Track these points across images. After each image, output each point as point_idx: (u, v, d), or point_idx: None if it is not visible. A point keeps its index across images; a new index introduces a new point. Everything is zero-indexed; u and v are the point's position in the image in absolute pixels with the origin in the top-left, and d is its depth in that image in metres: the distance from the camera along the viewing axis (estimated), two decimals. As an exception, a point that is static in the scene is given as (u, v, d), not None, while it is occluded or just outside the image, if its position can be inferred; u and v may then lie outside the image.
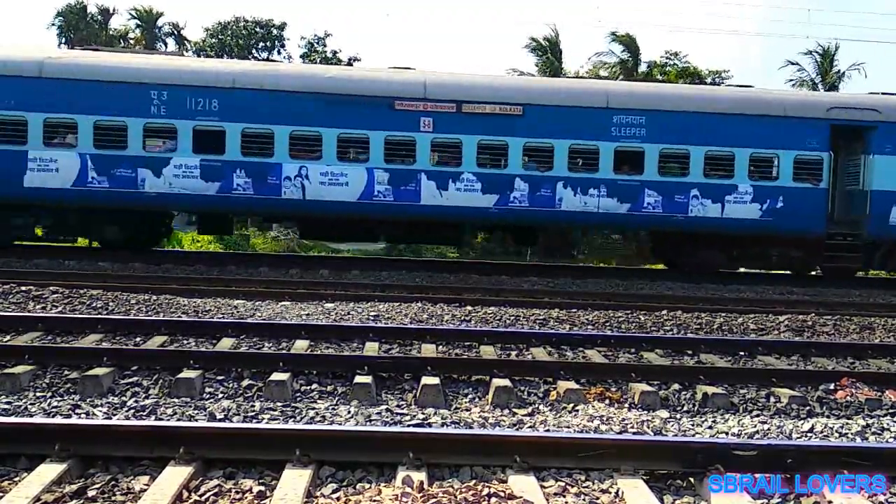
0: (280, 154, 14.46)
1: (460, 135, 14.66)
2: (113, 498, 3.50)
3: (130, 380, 5.78)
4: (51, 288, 9.67)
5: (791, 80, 32.55)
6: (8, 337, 7.01)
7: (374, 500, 3.43)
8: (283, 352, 6.75)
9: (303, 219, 15.72)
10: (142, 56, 16.64)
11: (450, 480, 3.77)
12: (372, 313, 9.16)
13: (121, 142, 14.25)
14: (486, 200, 14.73)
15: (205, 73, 14.85)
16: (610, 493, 3.71)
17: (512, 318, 9.31)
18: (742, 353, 7.56)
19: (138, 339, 7.17)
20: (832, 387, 6.30)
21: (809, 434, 5.17)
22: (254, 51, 37.74)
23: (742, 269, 20.68)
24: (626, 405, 5.78)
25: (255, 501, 3.47)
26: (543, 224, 15.83)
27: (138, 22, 36.84)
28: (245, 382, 5.81)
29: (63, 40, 35.67)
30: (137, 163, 14.31)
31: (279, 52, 38.47)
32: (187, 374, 5.74)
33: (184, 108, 14.28)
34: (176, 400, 5.35)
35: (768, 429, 5.23)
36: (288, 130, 14.43)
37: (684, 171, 15.13)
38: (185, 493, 3.50)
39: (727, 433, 5.14)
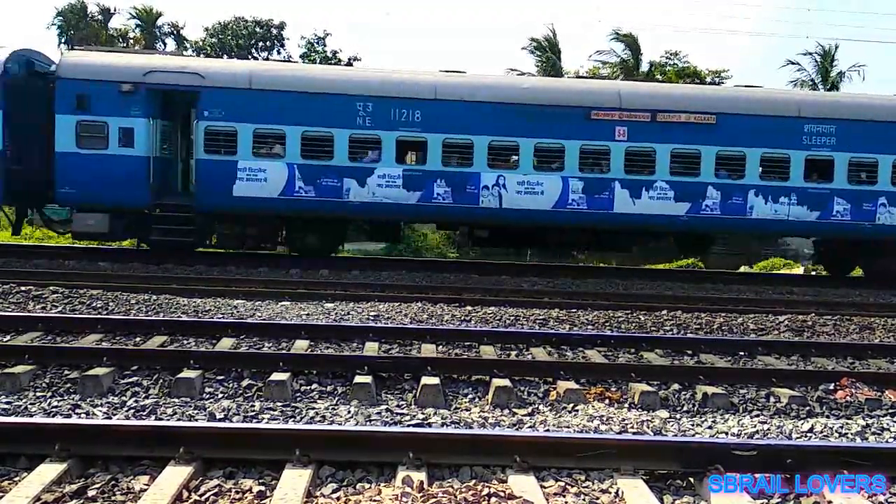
0: (479, 163, 14.73)
1: (654, 143, 14.88)
2: (113, 498, 3.50)
3: (130, 380, 5.79)
4: (51, 288, 9.68)
5: (792, 81, 32.57)
6: (8, 337, 7.01)
7: (374, 500, 3.43)
8: (283, 352, 6.75)
9: (498, 227, 15.85)
10: (349, 69, 16.81)
11: (450, 480, 3.77)
12: (372, 313, 9.17)
13: (327, 152, 14.57)
14: (678, 208, 14.96)
15: (408, 84, 15.05)
16: (610, 493, 3.71)
17: (512, 318, 9.31)
18: (742, 354, 7.56)
19: (138, 338, 7.17)
20: (832, 387, 6.30)
21: (809, 434, 5.17)
22: (253, 51, 37.73)
23: (742, 269, 20.74)
24: (626, 405, 5.78)
25: (255, 501, 3.47)
26: (733, 231, 16.25)
27: (138, 22, 36.84)
28: (245, 382, 5.81)
29: (63, 40, 35.67)
30: (343, 172, 14.60)
31: (279, 52, 38.48)
32: (187, 373, 5.74)
33: (388, 119, 14.54)
34: (176, 400, 5.36)
35: (768, 429, 5.23)
36: (487, 140, 14.68)
37: (872, 180, 15.26)
38: (185, 493, 3.50)
39: (727, 433, 5.14)
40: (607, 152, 14.82)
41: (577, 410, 5.57)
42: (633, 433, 5.00)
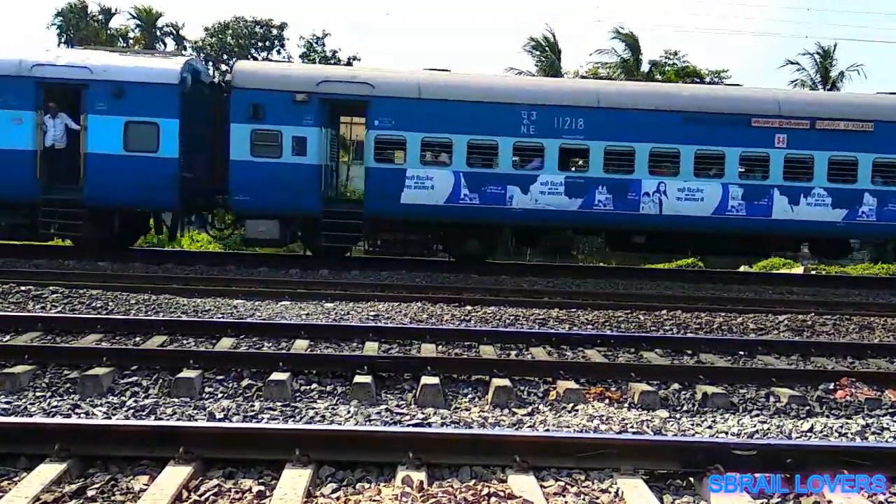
0: (640, 170, 14.87)
1: (812, 150, 14.99)
2: (112, 498, 3.50)
3: (130, 379, 5.79)
4: (50, 288, 9.67)
5: (793, 82, 32.56)
6: (8, 337, 7.01)
7: (374, 500, 3.43)
8: (283, 351, 6.75)
9: (657, 233, 15.96)
10: (513, 77, 17.03)
11: (449, 480, 3.76)
12: (372, 313, 9.17)
13: (492, 160, 14.78)
14: (834, 215, 15.08)
15: (572, 93, 15.33)
16: (610, 492, 3.71)
17: (511, 317, 9.31)
18: (742, 353, 7.56)
19: (138, 338, 7.17)
20: (832, 386, 6.30)
21: (809, 434, 5.17)
22: (253, 50, 37.73)
23: (742, 269, 20.74)
24: (626, 405, 5.78)
25: (255, 501, 3.47)
26: (890, 237, 16.32)
27: (138, 22, 36.84)
28: (245, 382, 5.81)
29: (63, 40, 35.66)
30: (507, 180, 14.79)
31: (279, 52, 38.49)
32: (187, 373, 5.74)
33: (551, 127, 14.71)
34: (175, 400, 5.36)
35: (768, 428, 5.23)
36: (648, 147, 14.82)
37: None
38: (185, 493, 3.50)
39: (727, 433, 5.14)
40: (767, 159, 15.01)
41: (576, 410, 5.56)
42: (633, 433, 5.00)
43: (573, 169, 15.18)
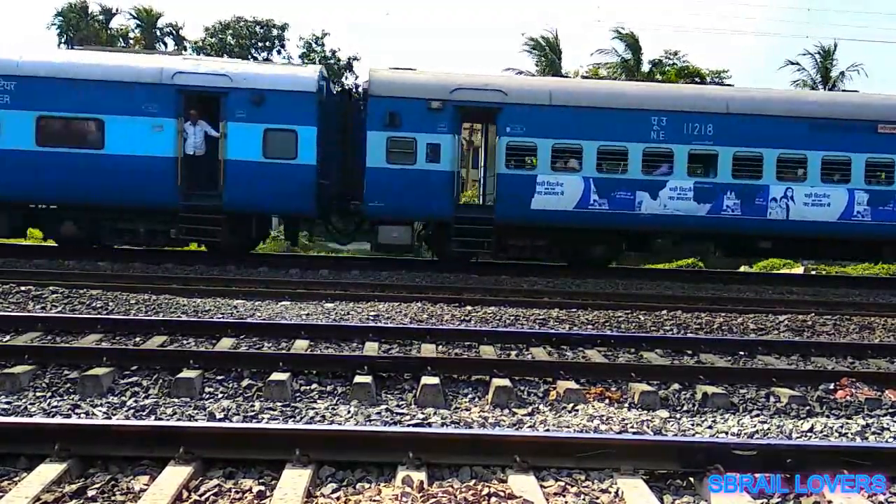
0: (768, 176, 15.07)
1: None
2: (113, 498, 3.50)
3: (130, 380, 5.78)
4: (50, 288, 9.67)
5: (795, 82, 32.55)
6: (8, 337, 7.01)
7: (374, 500, 3.43)
8: (283, 352, 6.75)
9: (783, 239, 16.10)
10: (643, 84, 17.36)
11: (450, 480, 3.76)
12: (372, 313, 9.17)
13: (622, 166, 15.02)
14: None
15: (701, 99, 15.50)
16: (610, 492, 3.70)
17: (512, 317, 9.31)
18: (742, 353, 7.56)
19: (138, 338, 7.17)
20: (832, 386, 6.30)
21: (809, 434, 5.17)
22: (252, 50, 37.73)
23: (742, 268, 20.75)
24: (626, 405, 5.78)
25: (255, 501, 3.46)
26: None
27: (138, 22, 36.84)
28: (245, 382, 5.81)
29: (62, 40, 35.66)
30: (636, 186, 14.99)
31: (279, 53, 38.48)
32: (187, 373, 5.73)
33: (680, 133, 14.94)
34: (175, 400, 5.35)
35: (768, 428, 5.23)
36: (776, 153, 15.02)
37: None
38: (185, 493, 3.50)
39: (727, 433, 5.14)
40: (892, 165, 15.24)
41: (577, 410, 5.56)
42: (633, 433, 5.00)
43: (701, 174, 15.38)
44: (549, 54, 31.97)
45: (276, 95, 14.41)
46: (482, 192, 16.85)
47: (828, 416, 5.71)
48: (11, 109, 14.04)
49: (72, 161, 14.08)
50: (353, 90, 16.61)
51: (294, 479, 3.61)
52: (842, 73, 32.43)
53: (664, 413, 5.58)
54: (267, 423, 4.84)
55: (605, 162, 15.01)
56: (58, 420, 4.61)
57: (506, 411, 5.48)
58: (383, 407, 5.35)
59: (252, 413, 5.09)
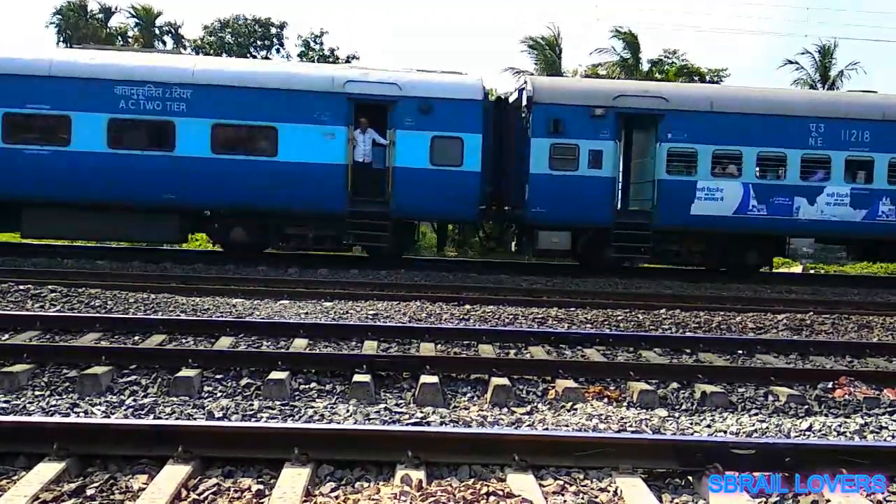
0: None
1: None
2: (111, 496, 3.49)
3: (129, 378, 5.78)
4: (49, 287, 9.65)
5: (796, 81, 32.52)
6: (6, 336, 7.00)
7: (373, 499, 3.43)
8: (282, 350, 6.75)
9: None
10: (800, 91, 17.95)
11: (448, 479, 3.76)
12: (371, 312, 9.16)
13: (780, 172, 15.34)
14: None
15: (858, 105, 15.83)
16: (608, 491, 3.71)
17: (510, 316, 9.31)
18: (740, 352, 7.57)
19: (137, 337, 7.17)
20: (830, 385, 6.30)
21: (808, 433, 5.18)
22: (251, 49, 37.69)
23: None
24: (625, 404, 5.78)
25: (254, 500, 3.46)
26: None
27: (137, 20, 36.79)
28: (244, 381, 5.81)
29: (61, 39, 35.60)
30: (794, 191, 15.31)
31: (278, 51, 38.43)
32: (186, 372, 5.73)
33: (838, 139, 15.25)
34: (174, 398, 5.35)
35: (767, 427, 5.24)
36: None
37: None
38: (184, 492, 3.50)
39: (726, 432, 5.14)
40: None
41: (575, 409, 5.56)
42: (632, 432, 5.00)
43: (858, 181, 15.53)
44: (548, 54, 31.90)
45: (443, 103, 14.73)
46: (620, 198, 16.97)
47: (826, 415, 5.71)
48: (187, 117, 14.28)
49: (246, 168, 14.46)
50: (506, 98, 16.86)
51: (293, 478, 3.61)
52: (840, 73, 32.42)
53: (663, 412, 5.58)
54: (266, 421, 4.84)
55: (763, 168, 15.31)
56: (56, 419, 4.61)
57: (504, 410, 5.48)
58: (382, 406, 5.35)
59: (251, 412, 5.09)
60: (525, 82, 15.98)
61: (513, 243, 17.85)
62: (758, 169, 15.28)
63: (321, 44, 37.70)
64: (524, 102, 15.41)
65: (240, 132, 14.69)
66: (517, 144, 15.46)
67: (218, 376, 5.90)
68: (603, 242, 15.39)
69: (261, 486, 3.60)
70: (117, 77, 14.26)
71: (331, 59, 35.59)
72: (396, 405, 5.43)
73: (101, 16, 36.71)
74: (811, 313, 10.39)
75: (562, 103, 15.04)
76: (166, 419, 4.82)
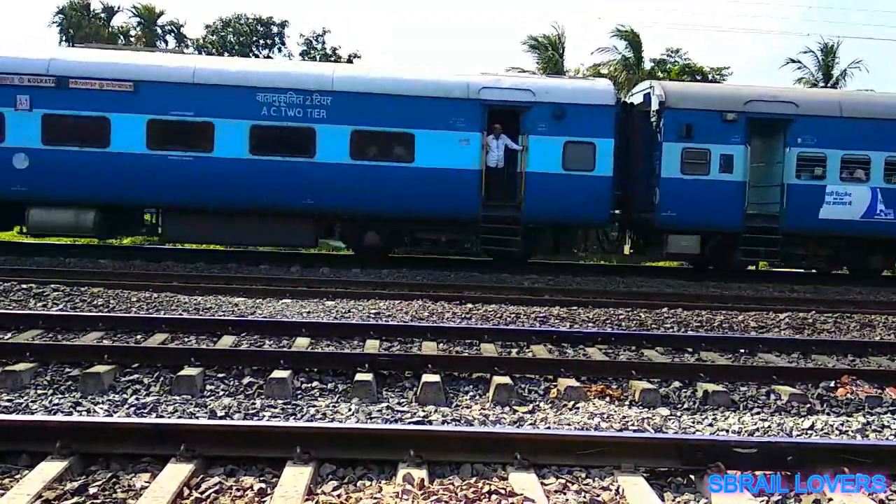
0: None
1: None
2: (114, 495, 3.50)
3: (131, 377, 5.79)
4: (52, 285, 9.67)
5: (801, 80, 32.45)
6: (9, 334, 7.02)
7: (375, 498, 3.44)
8: (284, 349, 6.76)
9: None
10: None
11: (450, 478, 3.77)
12: (373, 311, 9.17)
13: None
14: None
15: None
16: (610, 490, 3.71)
17: (512, 315, 9.31)
18: (742, 351, 7.57)
19: (139, 336, 7.18)
20: (832, 384, 6.30)
21: (810, 431, 5.17)
22: (253, 48, 37.71)
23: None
24: (627, 403, 5.78)
25: (256, 499, 3.47)
26: None
27: (139, 20, 36.81)
28: (246, 380, 5.81)
29: (64, 38, 35.63)
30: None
31: (279, 51, 38.44)
32: (188, 371, 5.74)
33: None
34: (177, 397, 5.36)
35: (769, 426, 5.23)
36: None
37: None
38: (186, 491, 3.50)
39: (728, 431, 5.14)
40: None
41: (577, 408, 5.57)
42: (634, 430, 5.00)
43: None
44: (551, 53, 31.87)
45: (576, 109, 14.85)
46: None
47: (828, 414, 5.71)
48: (327, 124, 14.42)
49: (383, 174, 14.64)
50: (634, 103, 16.94)
51: (295, 477, 3.62)
52: (843, 72, 32.35)
53: (665, 411, 5.58)
54: (268, 420, 4.85)
55: (890, 173, 15.41)
56: (59, 418, 4.62)
57: (506, 409, 5.48)
58: (384, 405, 5.35)
59: (253, 411, 5.09)
60: (652, 86, 16.09)
61: (626, 246, 17.83)
62: (885, 174, 15.38)
63: (323, 43, 37.73)
64: (654, 107, 15.54)
65: (378, 139, 14.83)
66: (645, 148, 15.59)
67: (220, 375, 5.90)
68: (731, 246, 15.55)
69: (263, 485, 3.60)
70: (259, 84, 14.45)
71: (332, 59, 35.59)
72: (398, 404, 5.43)
73: (103, 15, 36.72)
74: (813, 312, 10.38)
75: (693, 108, 15.22)
76: (168, 418, 4.82)
